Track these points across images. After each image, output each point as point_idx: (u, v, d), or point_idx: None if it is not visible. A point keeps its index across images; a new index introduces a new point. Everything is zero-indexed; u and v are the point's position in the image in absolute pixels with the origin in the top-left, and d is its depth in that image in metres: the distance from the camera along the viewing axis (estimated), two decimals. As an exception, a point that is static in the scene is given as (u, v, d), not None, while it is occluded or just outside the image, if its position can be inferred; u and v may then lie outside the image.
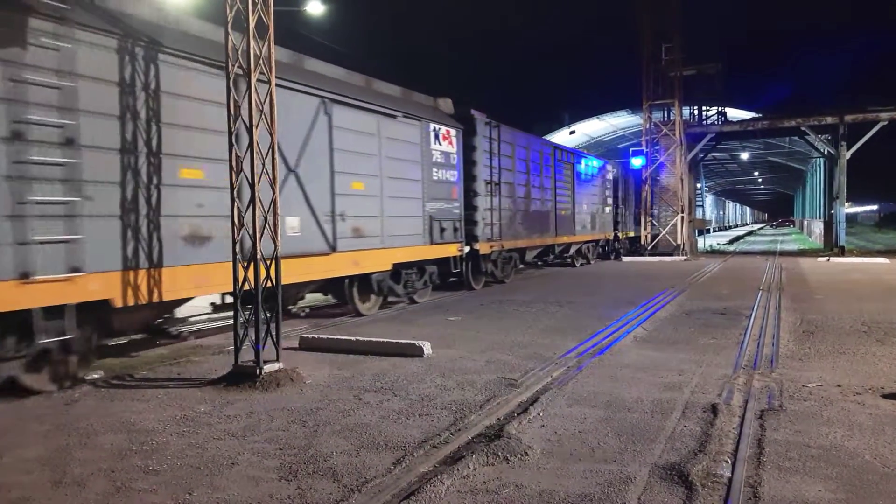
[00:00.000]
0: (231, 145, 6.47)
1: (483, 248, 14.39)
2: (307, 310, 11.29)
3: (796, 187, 77.11)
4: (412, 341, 7.67)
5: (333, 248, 9.48)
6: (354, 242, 10.00)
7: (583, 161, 22.49)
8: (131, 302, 6.44)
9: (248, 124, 6.38)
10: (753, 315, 10.26)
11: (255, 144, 6.37)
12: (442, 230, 12.47)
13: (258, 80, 6.40)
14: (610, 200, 25.57)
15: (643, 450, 4.39)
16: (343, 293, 10.51)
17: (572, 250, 21.54)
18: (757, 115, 30.50)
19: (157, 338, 8.15)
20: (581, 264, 22.40)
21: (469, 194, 13.99)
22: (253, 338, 6.41)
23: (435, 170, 12.43)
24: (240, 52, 6.47)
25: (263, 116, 6.53)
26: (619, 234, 26.41)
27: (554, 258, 20.87)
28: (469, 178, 13.96)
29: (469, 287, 14.56)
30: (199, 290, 7.40)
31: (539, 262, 20.60)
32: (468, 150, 14.00)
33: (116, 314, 6.47)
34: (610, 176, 25.74)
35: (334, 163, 9.54)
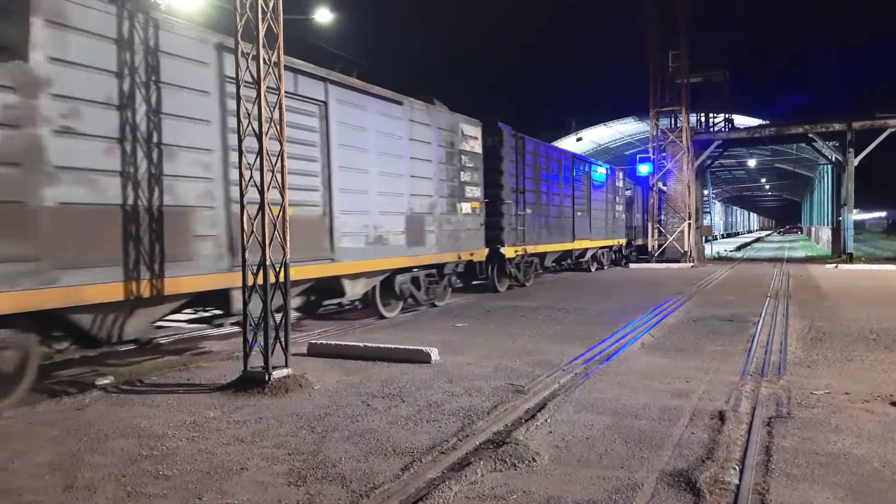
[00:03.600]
0: (240, 153, 6.52)
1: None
2: None
3: (804, 194, 76.85)
4: (420, 347, 7.69)
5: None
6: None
7: (368, 105, 10.15)
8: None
9: (257, 131, 6.44)
10: (761, 322, 10.23)
11: (264, 151, 6.42)
12: None
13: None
14: (476, 192, 13.56)
15: (651, 456, 4.40)
16: None
17: (350, 293, 9.87)
18: (764, 122, 30.43)
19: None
20: (389, 310, 11.16)
21: None
22: (262, 344, 6.45)
23: None
24: (249, 60, 6.52)
25: (273, 123, 6.58)
26: (507, 250, 14.85)
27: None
28: None
29: None
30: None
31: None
32: None
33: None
34: (472, 147, 13.38)
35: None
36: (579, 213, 20.51)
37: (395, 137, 10.82)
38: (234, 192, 7.09)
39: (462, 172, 13.09)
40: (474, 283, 14.75)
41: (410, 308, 12.17)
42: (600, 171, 23.30)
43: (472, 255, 13.35)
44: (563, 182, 19.44)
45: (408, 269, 11.37)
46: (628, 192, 27.68)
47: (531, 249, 16.60)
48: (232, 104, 7.34)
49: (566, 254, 19.96)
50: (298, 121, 8.76)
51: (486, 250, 14.11)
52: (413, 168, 11.40)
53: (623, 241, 25.77)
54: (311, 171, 8.99)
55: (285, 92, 7.24)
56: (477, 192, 13.71)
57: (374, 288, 10.66)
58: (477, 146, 13.75)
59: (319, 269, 9.00)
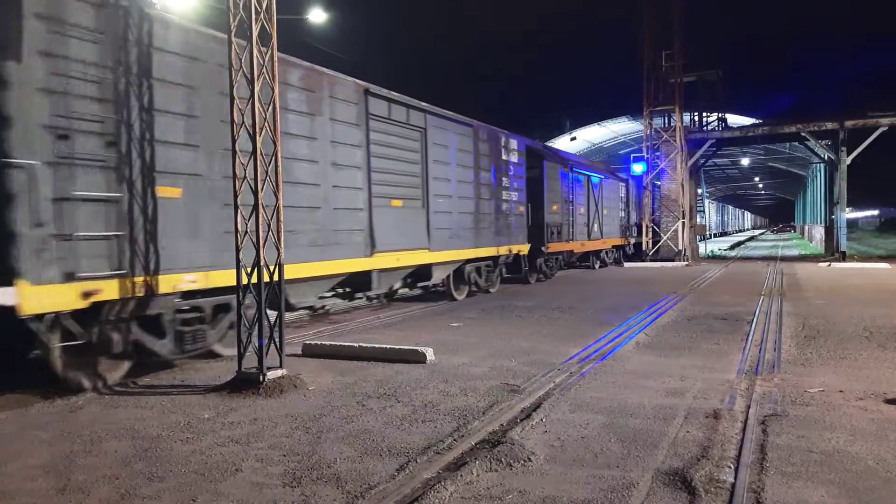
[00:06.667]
0: (234, 152, 6.49)
1: None
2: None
3: (797, 192, 77.15)
4: (415, 347, 7.68)
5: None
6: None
7: None
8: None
9: (251, 131, 6.41)
10: (755, 320, 10.26)
11: (258, 151, 6.40)
12: None
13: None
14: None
15: (646, 455, 4.40)
16: None
17: None
18: (757, 121, 30.56)
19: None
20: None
21: None
22: (256, 344, 6.42)
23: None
24: (243, 60, 6.50)
25: (267, 123, 6.56)
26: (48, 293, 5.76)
27: None
28: None
29: None
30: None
31: None
32: None
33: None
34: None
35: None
36: (397, 204, 11.29)
37: None
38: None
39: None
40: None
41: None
42: (459, 130, 13.52)
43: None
44: (345, 142, 9.84)
45: None
46: (564, 177, 19.97)
47: (179, 282, 7.06)
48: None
49: (361, 278, 10.30)
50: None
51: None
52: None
53: (522, 248, 16.69)
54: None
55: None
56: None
57: None
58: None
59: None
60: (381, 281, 10.84)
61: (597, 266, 24.05)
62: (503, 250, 15.43)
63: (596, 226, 23.38)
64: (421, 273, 12.29)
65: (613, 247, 26.13)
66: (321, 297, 10.05)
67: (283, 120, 7.93)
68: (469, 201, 13.90)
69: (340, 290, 10.46)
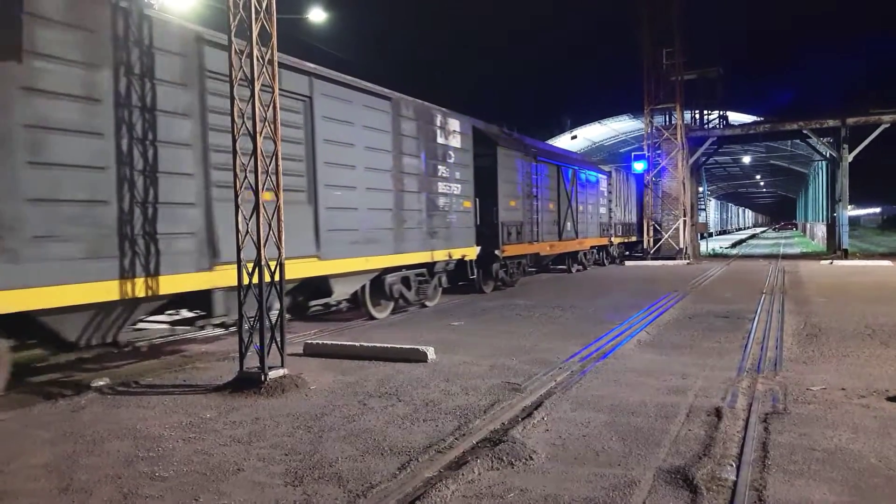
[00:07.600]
0: (234, 153, 6.50)
1: None
2: None
3: (799, 190, 77.09)
4: (416, 346, 7.68)
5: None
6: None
7: None
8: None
9: (251, 132, 6.42)
10: (757, 318, 10.25)
11: (258, 151, 6.40)
12: None
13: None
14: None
15: (647, 453, 4.40)
16: None
17: None
18: (759, 119, 30.51)
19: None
20: None
21: None
22: (257, 344, 6.43)
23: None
24: (243, 60, 6.50)
25: (267, 123, 6.57)
26: None
27: None
28: None
29: None
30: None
31: None
32: None
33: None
34: None
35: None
36: (265, 198, 6.68)
37: None
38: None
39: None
40: None
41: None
42: (369, 103, 10.33)
43: None
44: (161, 109, 6.87)
45: None
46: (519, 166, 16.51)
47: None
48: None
49: (202, 298, 7.52)
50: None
51: None
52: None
53: (468, 252, 13.42)
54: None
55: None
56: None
57: None
58: None
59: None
60: (230, 302, 7.51)
61: (574, 270, 21.49)
62: (440, 255, 12.20)
63: (569, 224, 20.30)
64: (316, 287, 9.37)
65: (592, 247, 23.12)
66: (138, 328, 7.36)
67: (40, 73, 5.67)
68: (385, 194, 10.67)
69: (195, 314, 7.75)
